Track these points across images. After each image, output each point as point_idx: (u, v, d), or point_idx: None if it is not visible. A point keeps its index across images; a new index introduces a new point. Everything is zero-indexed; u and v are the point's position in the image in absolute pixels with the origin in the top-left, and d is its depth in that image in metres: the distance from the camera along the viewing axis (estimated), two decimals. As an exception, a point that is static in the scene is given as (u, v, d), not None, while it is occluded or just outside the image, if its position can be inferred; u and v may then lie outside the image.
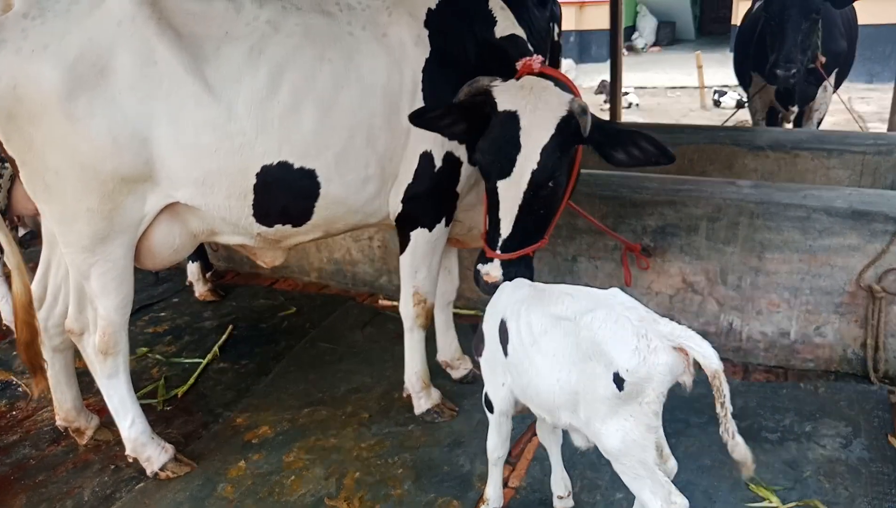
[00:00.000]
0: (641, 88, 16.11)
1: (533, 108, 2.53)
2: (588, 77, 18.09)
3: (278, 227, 2.97)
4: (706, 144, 5.50)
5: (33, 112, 2.54)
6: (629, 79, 14.44)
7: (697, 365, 2.00)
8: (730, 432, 1.97)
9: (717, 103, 13.75)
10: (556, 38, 7.87)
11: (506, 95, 2.60)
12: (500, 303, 2.45)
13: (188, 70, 2.62)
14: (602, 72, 17.51)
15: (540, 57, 2.81)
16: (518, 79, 2.72)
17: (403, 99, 2.94)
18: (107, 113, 2.57)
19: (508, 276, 2.60)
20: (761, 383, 3.70)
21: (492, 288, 2.62)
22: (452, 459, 3.20)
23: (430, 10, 3.02)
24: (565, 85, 2.80)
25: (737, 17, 18.73)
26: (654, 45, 22.28)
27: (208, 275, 5.03)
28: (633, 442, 2.05)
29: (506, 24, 3.11)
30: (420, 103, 2.95)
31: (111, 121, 2.58)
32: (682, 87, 16.23)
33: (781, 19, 5.28)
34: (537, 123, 2.52)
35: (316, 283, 5.19)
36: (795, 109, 6.27)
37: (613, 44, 8.28)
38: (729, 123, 7.54)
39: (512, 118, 2.54)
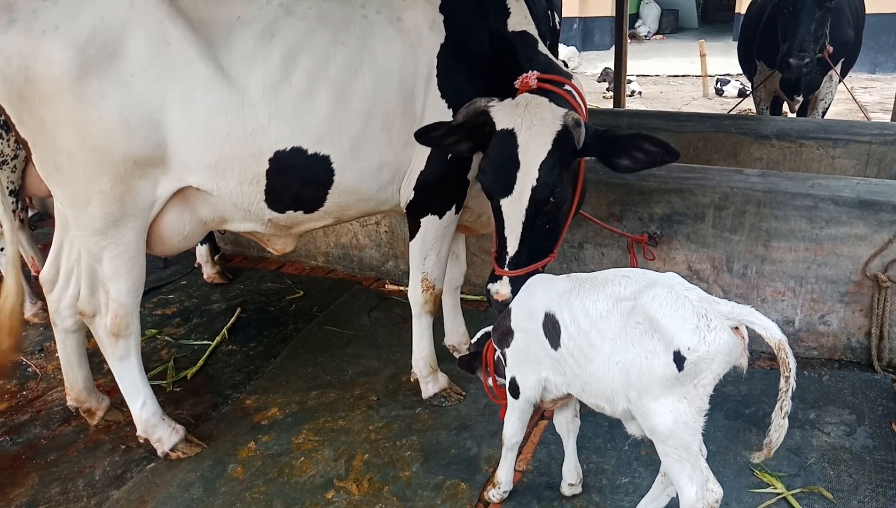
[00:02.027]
0: (644, 76, 16.08)
1: (529, 125, 2.54)
2: (591, 64, 18.05)
3: (290, 213, 2.98)
4: (711, 132, 5.49)
5: (44, 93, 2.53)
6: (632, 67, 14.40)
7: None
8: (783, 410, 1.97)
9: (719, 92, 13.71)
10: (557, 26, 7.88)
11: (502, 114, 2.61)
12: (536, 298, 2.42)
13: (201, 53, 2.62)
14: (605, 59, 17.50)
15: (536, 72, 2.81)
16: (516, 96, 2.73)
17: (418, 84, 2.94)
18: (118, 95, 2.56)
19: (517, 293, 2.60)
20: (765, 370, 3.72)
21: (502, 306, 2.63)
22: (460, 442, 3.23)
23: (445, -6, 3.01)
24: (563, 98, 2.79)
25: (741, 6, 18.68)
26: (657, 33, 22.19)
27: (216, 258, 5.05)
28: (685, 425, 2.05)
29: (518, 18, 3.09)
30: (435, 90, 2.96)
31: (122, 103, 2.57)
32: (684, 75, 16.20)
33: (795, 7, 5.25)
34: (534, 140, 2.53)
35: (323, 267, 5.21)
36: (800, 98, 6.27)
37: (618, 32, 8.27)
38: (733, 112, 7.54)
39: (509, 136, 2.56)
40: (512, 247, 2.63)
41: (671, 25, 22.49)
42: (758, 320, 1.99)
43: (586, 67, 17.86)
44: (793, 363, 1.95)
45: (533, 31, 3.11)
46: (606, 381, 2.20)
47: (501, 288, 2.63)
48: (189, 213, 2.90)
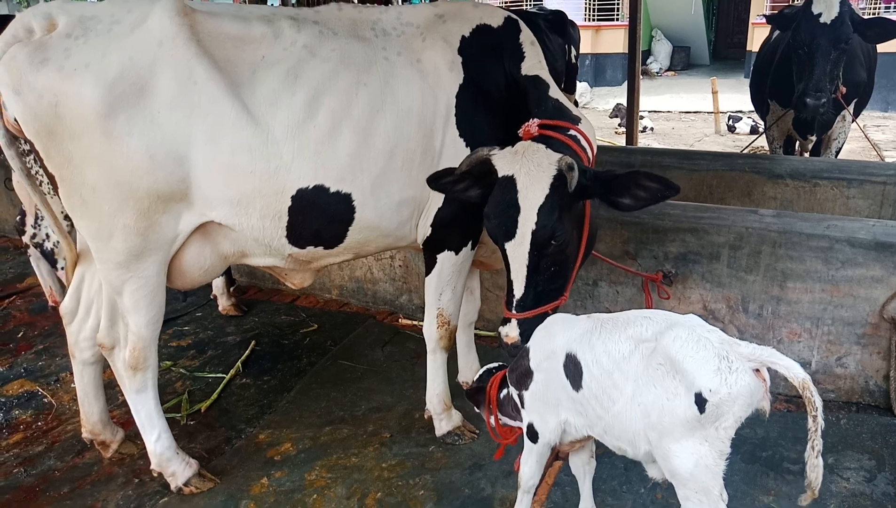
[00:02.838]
0: (656, 111, 16.19)
1: (527, 170, 2.60)
2: (603, 100, 18.21)
3: (310, 249, 3.01)
4: (725, 170, 5.52)
5: (73, 129, 2.59)
6: (644, 103, 14.50)
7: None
8: (815, 449, 1.94)
9: (731, 129, 13.78)
10: (572, 60, 7.99)
11: (503, 162, 2.67)
12: (556, 339, 2.42)
13: (226, 92, 2.67)
14: (616, 95, 17.67)
15: (537, 120, 2.86)
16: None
17: (437, 123, 2.99)
18: (145, 131, 2.61)
19: (527, 335, 2.61)
20: (782, 412, 3.69)
21: (513, 350, 2.64)
22: (473, 482, 3.20)
23: (463, 37, 3.07)
24: (564, 144, 2.83)
25: (752, 44, 18.84)
26: (669, 69, 22.37)
27: (232, 290, 5.08)
28: (706, 468, 2.04)
29: (532, 63, 3.15)
30: (453, 129, 3.01)
31: (149, 139, 2.62)
32: (696, 111, 16.30)
33: (811, 48, 5.28)
34: (531, 184, 2.58)
35: (337, 300, 5.23)
36: (814, 137, 6.29)
37: (631, 69, 8.32)
38: (746, 151, 7.57)
39: (510, 182, 2.61)
40: (518, 290, 2.65)
41: (682, 62, 22.67)
42: (779, 359, 1.98)
43: (598, 103, 18.03)
44: (819, 402, 1.94)
45: (545, 75, 3.16)
46: (628, 423, 2.18)
47: (510, 331, 2.65)
48: (210, 247, 2.93)
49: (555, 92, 3.13)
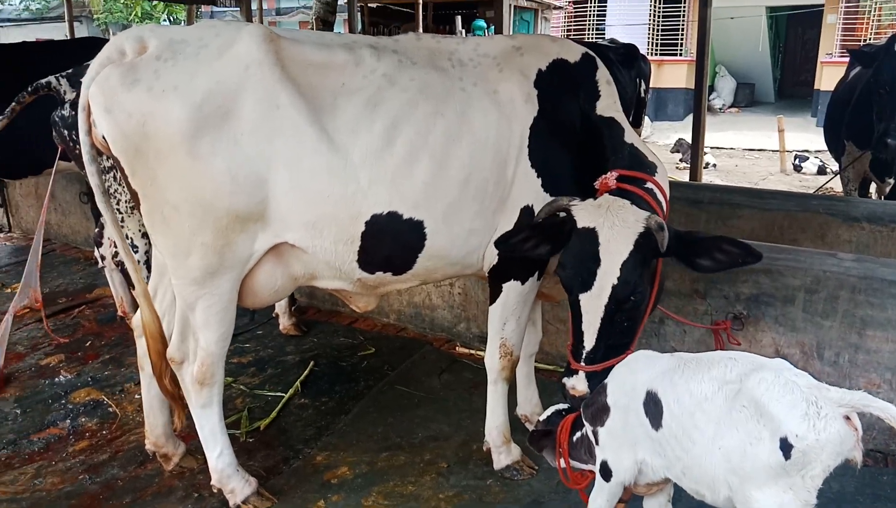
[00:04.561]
0: (718, 148, 15.92)
1: (611, 225, 2.58)
2: (663, 134, 18.01)
3: (379, 274, 3.02)
4: (797, 211, 5.35)
5: (159, 149, 2.66)
6: (706, 139, 14.27)
7: None
8: None
9: (797, 168, 13.44)
10: (642, 94, 7.93)
11: (584, 214, 2.66)
12: (638, 377, 2.37)
13: (308, 117, 2.72)
14: (677, 130, 17.45)
15: (615, 173, 2.84)
16: (596, 197, 2.77)
17: (511, 154, 2.99)
18: (228, 153, 2.67)
19: (593, 388, 2.58)
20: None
21: (577, 402, 2.61)
22: (532, 519, 3.13)
23: (540, 70, 3.07)
24: (643, 199, 2.81)
25: (819, 83, 18.40)
26: (732, 106, 22.03)
27: (293, 309, 5.14)
28: None
29: (608, 102, 3.14)
30: (525, 159, 3.00)
31: (232, 161, 2.68)
32: (760, 149, 15.95)
33: (893, 87, 5.15)
34: (616, 239, 2.56)
35: (394, 325, 5.23)
36: (892, 180, 6.07)
37: (697, 105, 8.18)
38: (818, 192, 7.34)
39: (591, 234, 2.60)
40: (589, 342, 2.63)
41: (746, 99, 22.29)
42: (873, 402, 1.89)
43: (658, 137, 17.83)
44: None
45: (621, 117, 3.14)
46: (708, 466, 2.11)
47: (578, 384, 2.62)
48: (282, 268, 2.97)
49: (630, 136, 3.11)
